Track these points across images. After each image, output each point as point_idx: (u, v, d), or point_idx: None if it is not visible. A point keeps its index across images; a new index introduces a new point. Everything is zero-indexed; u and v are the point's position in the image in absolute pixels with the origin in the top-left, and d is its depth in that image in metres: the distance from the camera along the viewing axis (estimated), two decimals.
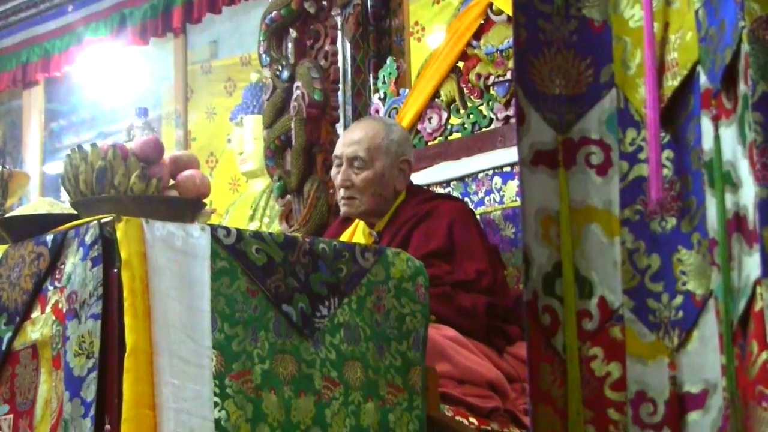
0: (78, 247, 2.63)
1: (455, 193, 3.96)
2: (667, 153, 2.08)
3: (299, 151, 4.48)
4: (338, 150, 3.62)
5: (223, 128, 7.07)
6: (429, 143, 4.19)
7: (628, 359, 2.06)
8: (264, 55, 4.66)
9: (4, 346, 2.75)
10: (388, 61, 4.43)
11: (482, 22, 4.08)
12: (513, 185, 3.81)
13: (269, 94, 4.64)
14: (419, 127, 4.21)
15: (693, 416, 2.02)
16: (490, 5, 4.05)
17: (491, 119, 4.02)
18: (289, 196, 4.56)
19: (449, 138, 4.15)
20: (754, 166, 1.86)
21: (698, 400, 2.01)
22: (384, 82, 4.41)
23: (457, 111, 4.13)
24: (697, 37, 2.03)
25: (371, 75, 4.52)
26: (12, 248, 2.83)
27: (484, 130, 4.04)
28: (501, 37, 4.01)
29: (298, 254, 2.75)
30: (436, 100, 4.18)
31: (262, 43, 4.67)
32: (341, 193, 3.59)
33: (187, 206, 2.97)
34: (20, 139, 8.17)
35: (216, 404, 2.57)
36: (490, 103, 4.03)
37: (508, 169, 3.85)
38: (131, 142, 3.03)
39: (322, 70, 4.53)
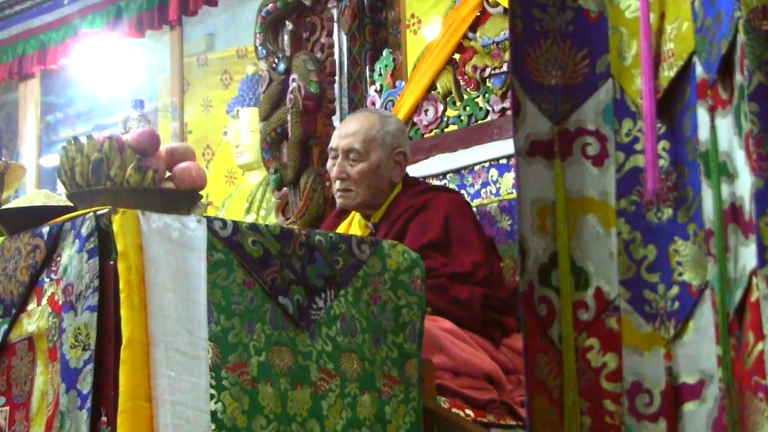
0: (74, 239, 2.63)
1: (451, 186, 3.96)
2: (663, 144, 2.08)
3: (295, 143, 4.48)
4: (334, 142, 3.62)
5: (220, 121, 7.05)
6: (425, 135, 4.19)
7: (624, 350, 2.06)
8: (260, 48, 4.66)
9: (0, 339, 2.75)
10: (384, 54, 4.43)
11: (478, 14, 4.08)
12: (509, 177, 3.81)
13: (265, 87, 4.64)
14: (415, 119, 4.21)
15: (689, 407, 2.02)
16: None
17: (487, 111, 4.03)
18: (285, 189, 4.56)
19: (445, 130, 4.15)
20: (750, 156, 1.86)
21: (694, 390, 2.01)
22: (380, 75, 4.41)
23: (454, 103, 4.14)
24: (693, 27, 2.03)
25: (367, 67, 4.52)
26: (8, 240, 2.82)
27: (480, 122, 4.04)
28: (497, 29, 4.02)
29: (295, 246, 2.75)
30: (432, 92, 4.18)
31: (258, 35, 4.66)
32: (337, 185, 3.59)
33: (184, 198, 2.97)
34: (16, 131, 8.16)
35: (212, 396, 2.57)
36: (487, 95, 4.03)
37: (504, 161, 3.85)
38: (127, 133, 3.02)
39: (319, 63, 4.52)
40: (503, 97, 3.96)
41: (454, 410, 3.07)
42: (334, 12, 4.54)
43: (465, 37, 4.10)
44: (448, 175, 4.02)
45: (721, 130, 1.95)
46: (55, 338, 2.62)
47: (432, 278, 3.16)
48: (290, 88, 4.51)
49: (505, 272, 3.67)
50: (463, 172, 3.98)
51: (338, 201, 3.63)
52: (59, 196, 3.12)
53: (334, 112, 4.51)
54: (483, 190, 3.91)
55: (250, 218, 6.05)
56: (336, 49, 4.53)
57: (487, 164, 3.91)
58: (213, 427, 2.55)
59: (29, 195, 3.24)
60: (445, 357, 3.19)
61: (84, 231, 2.61)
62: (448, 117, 4.15)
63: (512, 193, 3.76)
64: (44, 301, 2.68)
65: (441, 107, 4.16)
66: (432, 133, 4.18)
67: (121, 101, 7.35)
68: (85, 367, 2.53)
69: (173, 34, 7.37)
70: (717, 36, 1.95)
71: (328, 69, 4.52)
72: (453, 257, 3.38)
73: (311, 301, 2.75)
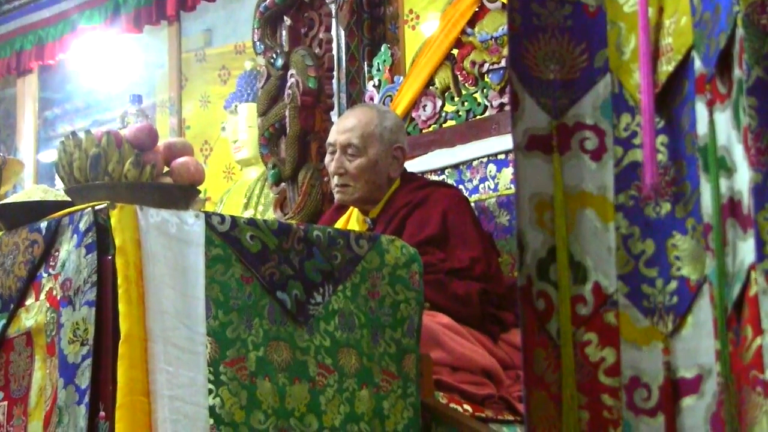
0: (72, 234, 2.63)
1: (450, 181, 3.96)
2: (662, 138, 2.08)
3: (293, 138, 4.47)
4: (332, 137, 3.62)
5: (218, 116, 7.05)
6: (423, 131, 4.19)
7: (623, 344, 2.06)
8: (258, 43, 4.65)
9: None
10: (382, 49, 4.43)
11: (477, 9, 4.08)
12: (507, 173, 3.81)
13: (263, 82, 4.64)
14: (414, 114, 4.21)
15: (687, 401, 2.01)
16: None
17: (486, 106, 4.02)
18: (283, 184, 4.56)
19: (444, 125, 4.15)
20: (748, 150, 1.86)
21: (692, 385, 2.01)
22: (378, 70, 4.41)
23: (452, 98, 4.13)
24: (691, 21, 2.03)
25: (366, 62, 4.52)
26: (6, 235, 2.82)
27: (478, 117, 4.04)
28: (495, 24, 4.01)
29: (293, 241, 2.75)
30: (430, 87, 4.18)
31: (256, 30, 4.66)
32: (335, 180, 3.59)
33: (182, 193, 2.96)
34: (14, 127, 8.16)
35: (210, 391, 2.57)
36: (485, 90, 4.03)
37: (502, 156, 3.85)
38: (125, 129, 3.02)
39: (317, 58, 4.52)
40: (501, 93, 3.96)
41: (452, 405, 3.07)
42: (332, 7, 4.53)
43: (463, 32, 4.10)
44: (446, 171, 4.02)
45: (719, 125, 1.95)
46: (53, 333, 2.62)
47: (430, 273, 3.16)
48: (288, 84, 4.50)
49: (504, 267, 3.67)
50: (461, 167, 3.98)
51: (336, 196, 3.63)
52: (57, 191, 3.12)
53: (332, 108, 4.51)
54: (481, 186, 3.91)
55: (248, 214, 6.05)
56: (334, 45, 4.53)
57: (485, 159, 3.91)
58: (211, 422, 2.55)
59: (27, 190, 3.24)
60: (443, 352, 3.19)
61: (82, 226, 2.61)
62: (447, 112, 4.15)
63: (510, 188, 3.76)
64: (42, 296, 2.68)
65: (439, 102, 4.16)
66: (430, 129, 4.18)
67: (119, 97, 7.35)
68: (84, 362, 2.53)
69: (171, 29, 7.37)
70: (715, 30, 1.95)
71: (327, 64, 4.52)
72: (451, 252, 3.38)
73: (309, 296, 2.75)
